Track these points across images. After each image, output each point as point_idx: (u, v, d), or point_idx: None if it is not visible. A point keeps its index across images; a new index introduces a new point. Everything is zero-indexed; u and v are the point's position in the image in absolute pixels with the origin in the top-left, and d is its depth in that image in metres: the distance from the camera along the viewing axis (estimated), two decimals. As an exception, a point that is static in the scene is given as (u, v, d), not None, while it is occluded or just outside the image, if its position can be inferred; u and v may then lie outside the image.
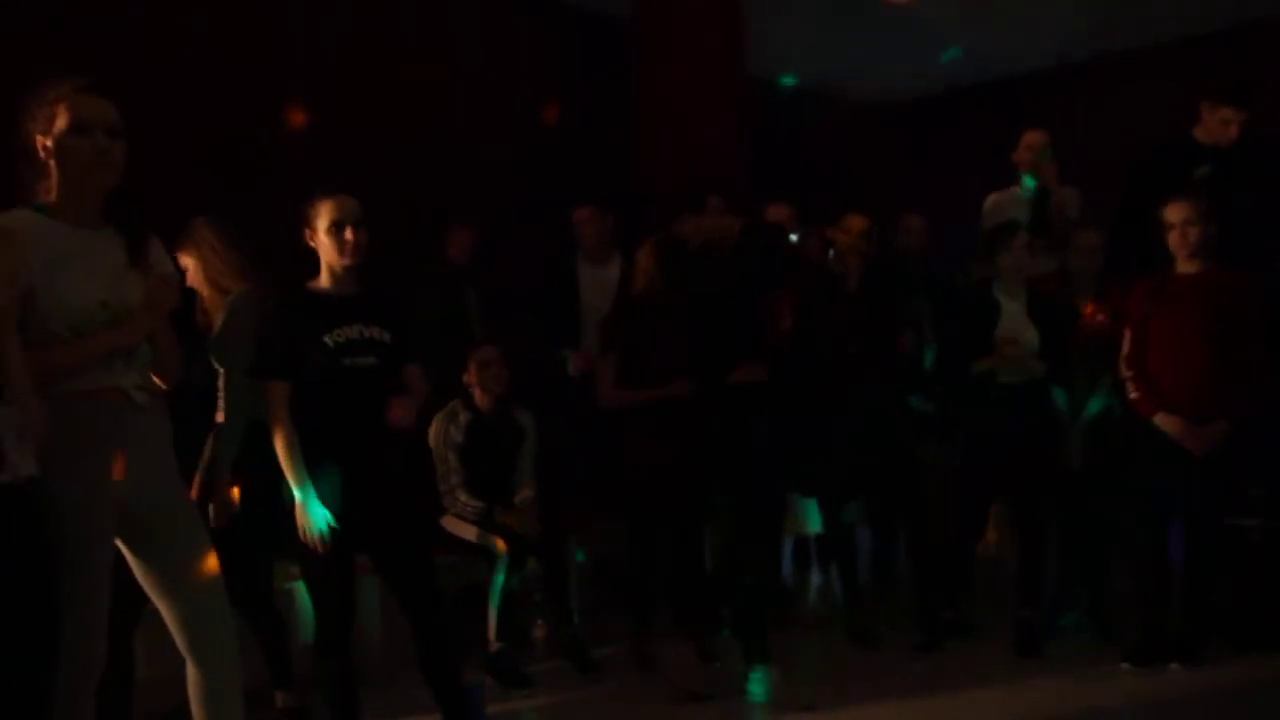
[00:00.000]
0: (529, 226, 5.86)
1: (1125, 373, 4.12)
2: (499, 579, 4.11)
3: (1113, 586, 4.51)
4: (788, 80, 8.20)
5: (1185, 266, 4.07)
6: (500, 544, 4.13)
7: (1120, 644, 4.19)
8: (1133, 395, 4.09)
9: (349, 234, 2.99)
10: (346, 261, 3.02)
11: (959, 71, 7.80)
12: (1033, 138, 5.00)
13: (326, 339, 2.96)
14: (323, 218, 3.00)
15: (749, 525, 4.37)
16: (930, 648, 4.39)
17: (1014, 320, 4.28)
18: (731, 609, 4.46)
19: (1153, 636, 4.11)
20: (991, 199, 5.10)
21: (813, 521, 5.09)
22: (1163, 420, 3.99)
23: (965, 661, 4.31)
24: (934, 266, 5.27)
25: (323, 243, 3.02)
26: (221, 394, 3.41)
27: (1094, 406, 4.38)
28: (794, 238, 5.41)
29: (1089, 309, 4.36)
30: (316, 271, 3.09)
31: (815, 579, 5.59)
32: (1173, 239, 4.04)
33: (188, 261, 3.49)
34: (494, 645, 4.11)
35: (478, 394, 4.33)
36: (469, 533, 4.21)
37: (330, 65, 5.60)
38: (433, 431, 4.26)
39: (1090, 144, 6.48)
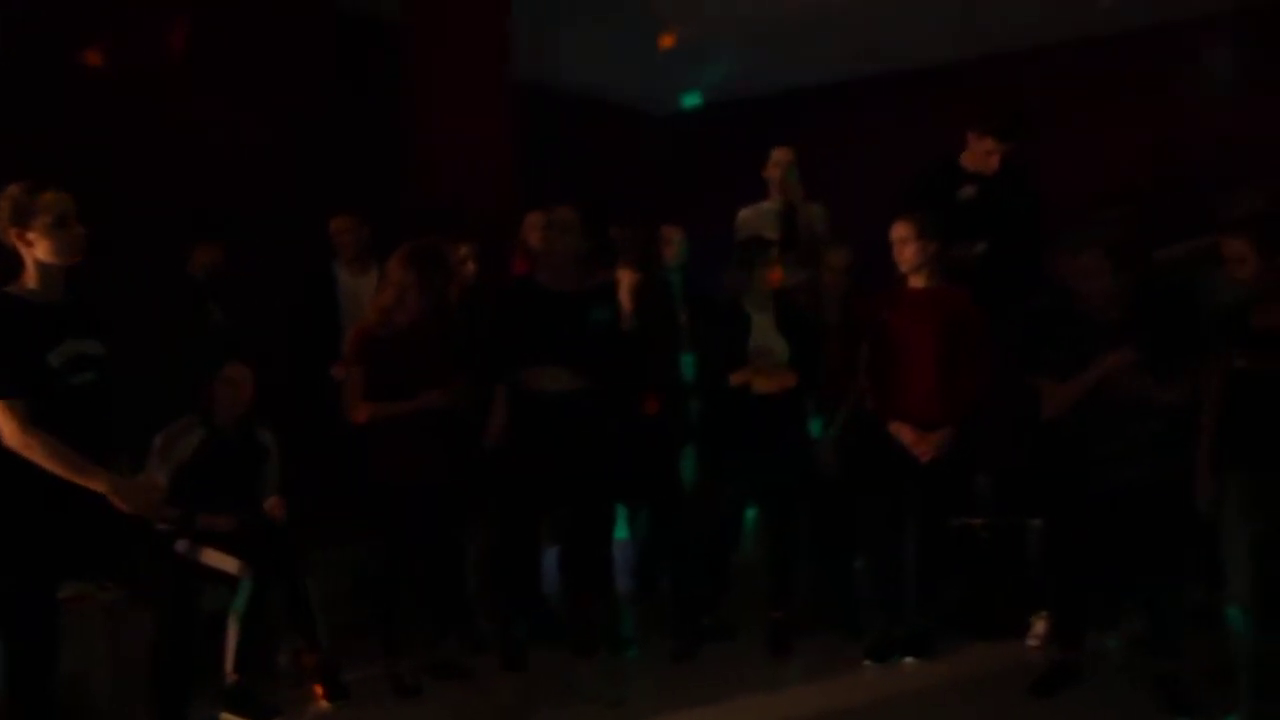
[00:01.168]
0: (293, 233, 5.61)
1: (863, 382, 4.32)
2: (237, 603, 3.89)
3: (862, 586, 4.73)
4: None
5: (915, 280, 4.30)
6: (236, 565, 3.91)
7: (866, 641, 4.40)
8: (869, 404, 4.30)
9: (77, 229, 2.84)
10: (72, 260, 2.86)
11: (726, 86, 8.00)
12: (781, 154, 5.16)
13: (50, 357, 2.78)
14: (45, 213, 2.81)
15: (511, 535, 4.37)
16: (687, 654, 4.45)
17: (764, 333, 4.40)
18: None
19: (889, 633, 4.33)
20: (743, 213, 5.23)
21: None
22: (895, 428, 4.20)
23: (721, 664, 4.41)
24: (697, 278, 5.35)
25: (40, 240, 2.82)
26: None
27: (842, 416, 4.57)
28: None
29: None
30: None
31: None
32: (896, 254, 4.26)
33: None
34: (231, 676, 3.89)
35: (218, 411, 4.12)
36: (210, 557, 3.98)
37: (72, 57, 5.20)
38: (158, 443, 4.01)
39: (844, 162, 6.80)
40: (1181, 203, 5.37)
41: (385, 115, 5.84)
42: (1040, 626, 4.37)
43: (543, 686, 4.19)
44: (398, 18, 5.73)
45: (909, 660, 4.30)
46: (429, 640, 4.33)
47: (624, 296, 4.49)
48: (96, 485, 2.78)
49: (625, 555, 5.36)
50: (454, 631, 4.47)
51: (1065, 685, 3.99)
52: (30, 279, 2.86)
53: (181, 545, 4.00)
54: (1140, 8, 6.48)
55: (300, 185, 5.96)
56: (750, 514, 5.02)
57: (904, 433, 4.18)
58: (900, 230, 4.25)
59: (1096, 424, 3.81)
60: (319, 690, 4.05)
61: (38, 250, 2.83)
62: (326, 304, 5.07)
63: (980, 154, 4.71)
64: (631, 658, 4.53)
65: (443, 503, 4.20)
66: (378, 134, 5.93)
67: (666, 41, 6.19)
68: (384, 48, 5.95)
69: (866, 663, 4.30)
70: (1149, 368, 3.72)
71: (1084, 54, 6.97)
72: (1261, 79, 6.41)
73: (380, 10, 5.94)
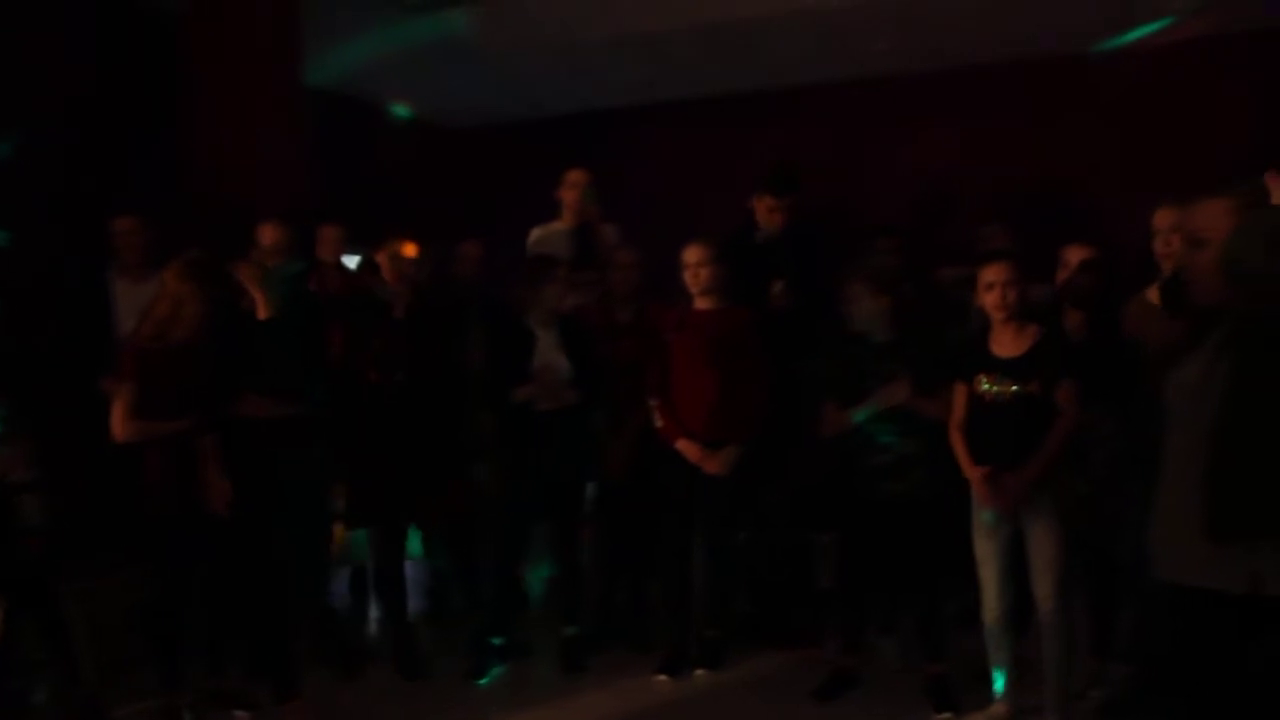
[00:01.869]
0: (64, 236, 5.25)
1: (651, 400, 4.41)
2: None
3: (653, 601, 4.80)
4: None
5: (701, 303, 4.42)
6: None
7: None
8: (658, 422, 4.38)
9: None
10: None
11: (525, 103, 8.01)
12: (576, 176, 5.21)
13: None
14: None
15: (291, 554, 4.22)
16: (479, 673, 4.41)
17: (548, 351, 4.42)
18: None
19: (679, 645, 4.42)
20: (535, 233, 5.24)
21: (362, 551, 4.98)
22: (682, 446, 4.31)
23: (515, 683, 4.39)
24: (493, 294, 5.31)
25: None
26: None
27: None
28: (350, 261, 5.28)
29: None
30: None
31: (375, 610, 5.44)
32: (687, 277, 4.38)
33: None
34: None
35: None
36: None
37: None
38: None
39: (639, 184, 6.93)
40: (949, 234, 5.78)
41: (163, 113, 5.56)
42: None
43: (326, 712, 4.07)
44: (176, 7, 5.48)
45: (700, 673, 4.40)
46: (213, 669, 4.13)
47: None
48: None
49: (419, 575, 5.28)
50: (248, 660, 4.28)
51: (846, 689, 4.18)
52: None
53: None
54: (916, 55, 6.88)
55: (78, 184, 5.58)
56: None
57: (690, 450, 4.29)
58: (693, 254, 4.36)
59: (867, 438, 4.02)
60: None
61: None
62: (100, 313, 4.77)
63: (764, 212, 4.88)
64: (420, 678, 4.44)
65: (224, 532, 3.97)
66: (154, 133, 5.63)
67: None
68: (162, 38, 5.67)
69: (661, 677, 4.36)
70: (913, 385, 3.96)
71: (859, 93, 7.33)
72: (1014, 126, 6.90)
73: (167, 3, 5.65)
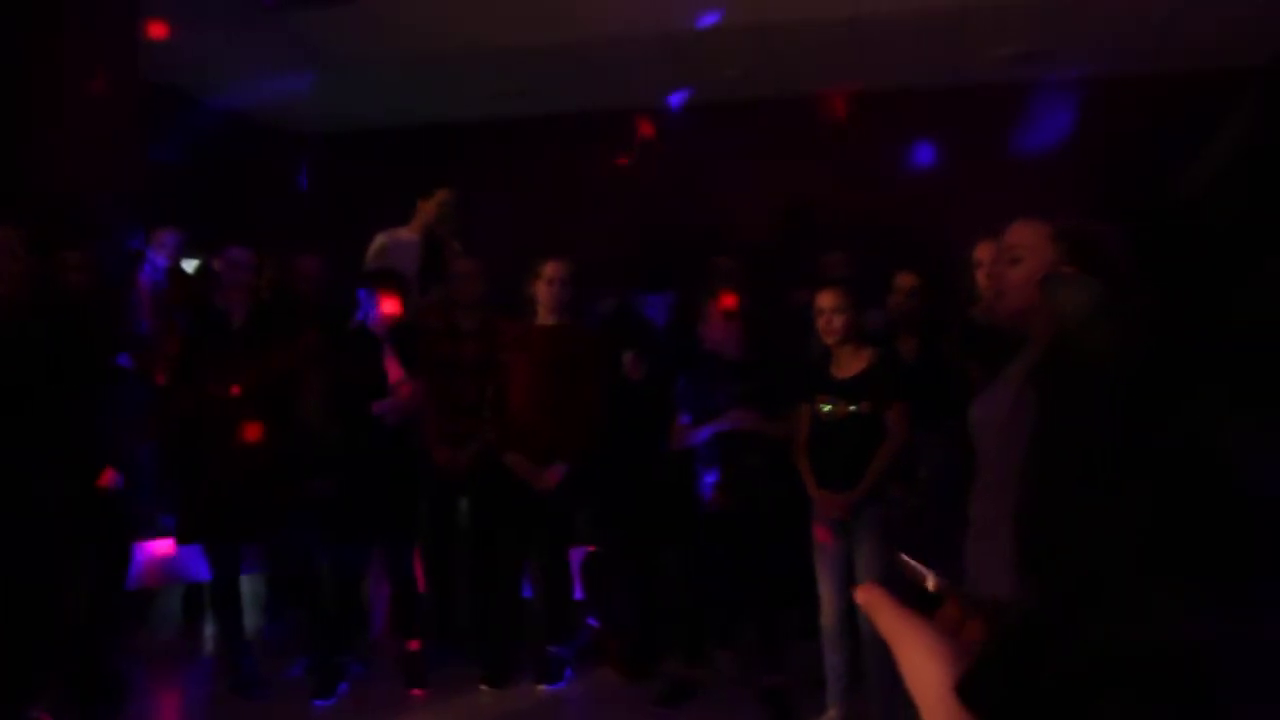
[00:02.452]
0: None
1: (487, 414, 4.42)
2: None
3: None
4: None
5: (544, 318, 4.46)
6: None
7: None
8: (489, 436, 4.40)
9: None
10: None
11: (377, 112, 7.90)
12: (444, 194, 5.22)
13: None
14: None
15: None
16: (325, 691, 4.32)
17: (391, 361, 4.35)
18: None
19: (502, 657, 4.47)
20: (381, 239, 5.17)
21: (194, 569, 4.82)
22: (511, 460, 4.33)
23: (357, 701, 4.32)
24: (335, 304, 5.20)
25: None
26: None
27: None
28: (188, 266, 5.11)
29: None
30: None
31: (209, 628, 5.26)
32: (541, 293, 4.42)
33: None
34: None
35: None
36: None
37: None
38: None
39: (489, 198, 6.91)
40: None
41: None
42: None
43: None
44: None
45: (541, 688, 4.41)
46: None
47: None
48: None
49: (256, 591, 5.13)
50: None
51: (686, 699, 4.25)
52: None
53: None
54: (769, 81, 7.10)
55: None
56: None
57: (520, 465, 4.31)
58: (551, 270, 4.39)
59: (711, 454, 4.12)
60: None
61: None
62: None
63: None
64: (258, 696, 4.33)
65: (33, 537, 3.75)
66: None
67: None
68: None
69: (483, 688, 4.37)
70: (760, 405, 4.08)
71: (712, 116, 7.50)
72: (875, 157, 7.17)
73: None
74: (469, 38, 6.41)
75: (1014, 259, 2.14)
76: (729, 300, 4.19)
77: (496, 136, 7.92)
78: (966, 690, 0.48)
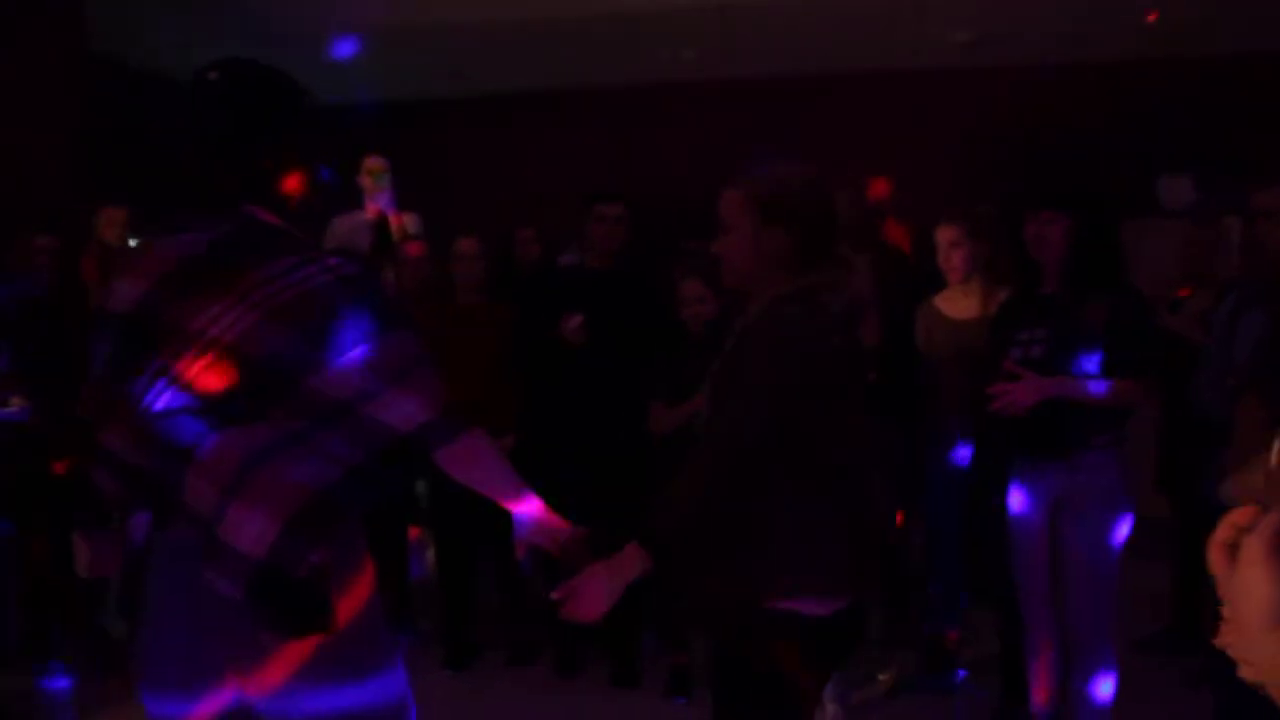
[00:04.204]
0: None
1: None
2: None
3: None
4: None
5: (466, 298, 4.42)
6: None
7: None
8: None
9: None
10: None
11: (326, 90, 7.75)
12: (373, 162, 5.14)
13: None
14: None
15: None
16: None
17: None
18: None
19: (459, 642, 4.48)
20: (337, 221, 5.09)
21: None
22: None
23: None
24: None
25: None
26: None
27: None
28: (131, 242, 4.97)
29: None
30: None
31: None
32: (457, 269, 4.40)
33: None
34: None
35: None
36: None
37: None
38: None
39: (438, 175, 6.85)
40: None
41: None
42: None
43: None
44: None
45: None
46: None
47: None
48: None
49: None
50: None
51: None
52: None
53: None
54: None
55: None
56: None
57: None
58: (465, 246, 4.37)
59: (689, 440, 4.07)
60: None
61: None
62: None
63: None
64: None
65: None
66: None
67: None
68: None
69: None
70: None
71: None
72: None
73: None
74: (413, 11, 6.33)
75: (725, 229, 2.21)
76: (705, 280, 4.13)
77: (446, 113, 7.84)
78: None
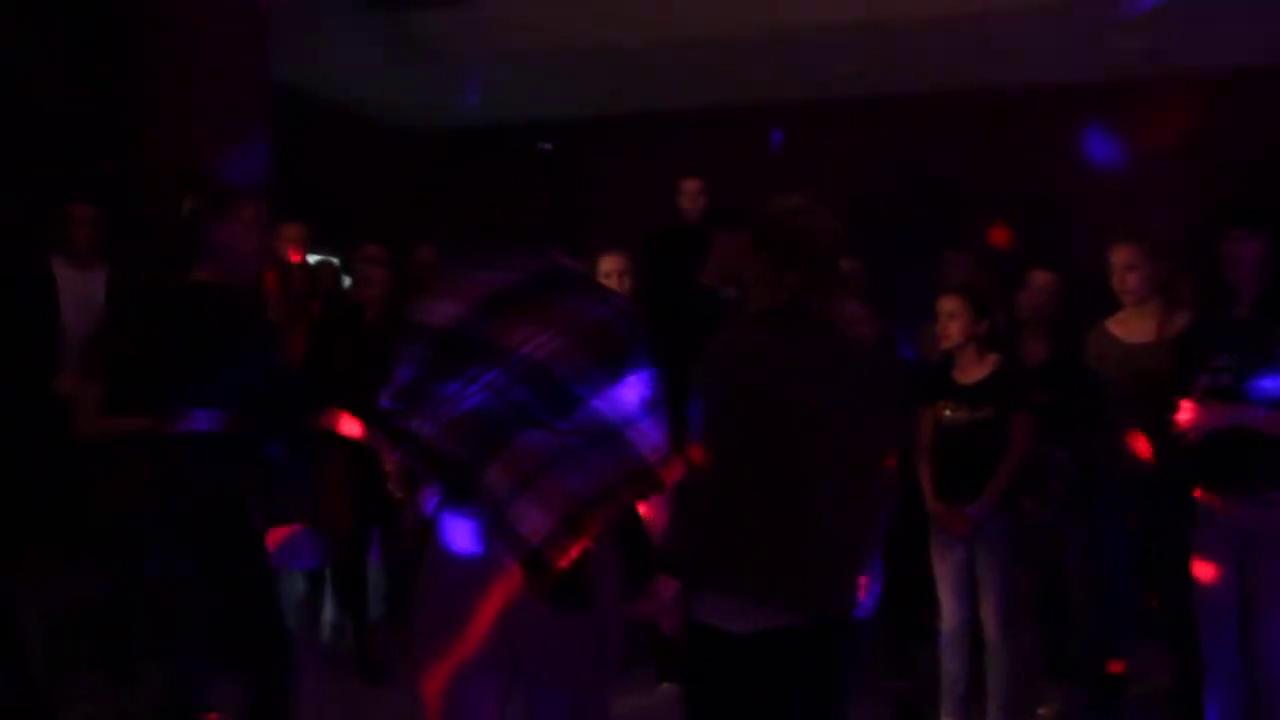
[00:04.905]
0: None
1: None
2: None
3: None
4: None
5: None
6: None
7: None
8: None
9: None
10: None
11: (484, 109, 8.00)
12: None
13: None
14: None
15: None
16: None
17: None
18: None
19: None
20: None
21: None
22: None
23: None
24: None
25: None
26: None
27: None
28: (311, 259, 5.22)
29: None
30: None
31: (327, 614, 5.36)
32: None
33: None
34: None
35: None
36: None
37: None
38: None
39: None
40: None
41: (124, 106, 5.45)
42: None
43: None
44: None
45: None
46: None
47: None
48: None
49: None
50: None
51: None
52: None
53: None
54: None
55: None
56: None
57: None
58: (608, 263, 4.37)
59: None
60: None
61: None
62: (47, 305, 4.66)
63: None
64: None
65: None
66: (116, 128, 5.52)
67: None
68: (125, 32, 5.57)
69: None
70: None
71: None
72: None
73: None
74: (580, 36, 6.49)
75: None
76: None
77: (603, 132, 7.98)
78: None
